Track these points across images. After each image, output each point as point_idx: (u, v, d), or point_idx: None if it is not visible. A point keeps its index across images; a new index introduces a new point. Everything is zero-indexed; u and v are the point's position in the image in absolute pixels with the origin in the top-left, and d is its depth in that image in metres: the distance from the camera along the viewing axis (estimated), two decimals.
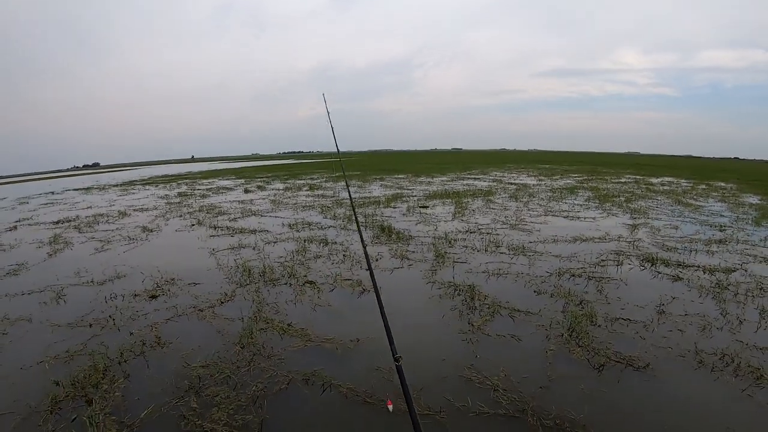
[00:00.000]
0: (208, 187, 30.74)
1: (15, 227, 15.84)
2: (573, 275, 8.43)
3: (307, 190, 25.66)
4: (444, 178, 32.59)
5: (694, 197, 21.08)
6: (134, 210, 19.29)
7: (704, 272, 8.49)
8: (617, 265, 9.01)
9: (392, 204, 18.59)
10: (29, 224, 16.22)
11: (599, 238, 11.40)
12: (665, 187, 25.66)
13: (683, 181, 31.29)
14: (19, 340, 6.23)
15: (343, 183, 29.83)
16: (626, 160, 79.34)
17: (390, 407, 4.31)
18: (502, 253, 10.09)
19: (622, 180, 30.88)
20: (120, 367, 5.34)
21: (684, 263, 9.07)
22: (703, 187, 26.81)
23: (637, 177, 33.89)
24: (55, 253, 11.16)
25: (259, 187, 28.50)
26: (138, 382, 5.01)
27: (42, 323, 6.74)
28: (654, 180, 31.41)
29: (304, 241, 11.62)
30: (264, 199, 22.12)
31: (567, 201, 19.08)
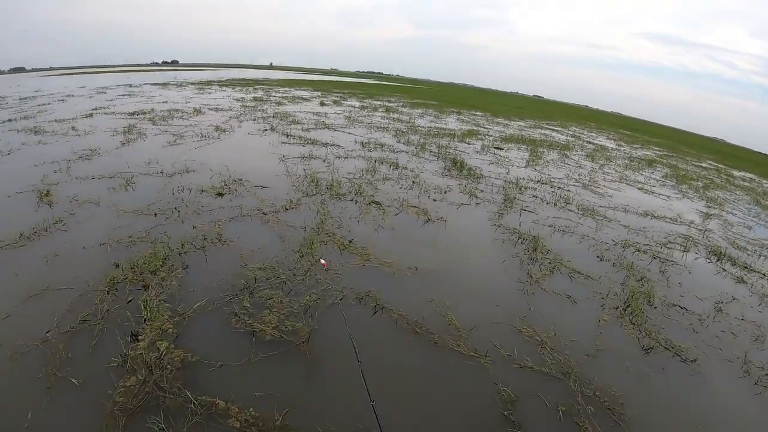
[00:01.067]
0: (284, 95, 30.75)
1: (91, 114, 16.08)
2: (638, 250, 8.15)
3: (382, 112, 25.47)
4: (522, 123, 31.92)
5: None
6: (209, 109, 19.44)
7: None
8: (684, 251, 8.64)
9: (467, 140, 18.33)
10: (105, 113, 16.44)
11: (671, 219, 10.97)
12: (746, 183, 24.23)
13: (765, 182, 29.94)
14: (85, 221, 6.35)
15: (420, 110, 29.58)
16: (710, 145, 75.87)
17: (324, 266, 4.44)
18: (570, 210, 9.85)
19: (703, 165, 29.37)
20: (179, 258, 5.40)
21: (751, 267, 8.58)
22: None
23: (719, 165, 32.24)
24: (128, 143, 11.31)
25: (335, 102, 28.41)
26: (195, 274, 5.06)
27: (109, 207, 6.86)
28: (735, 173, 29.51)
29: (375, 161, 11.55)
30: (339, 114, 22.03)
31: (644, 173, 18.41)
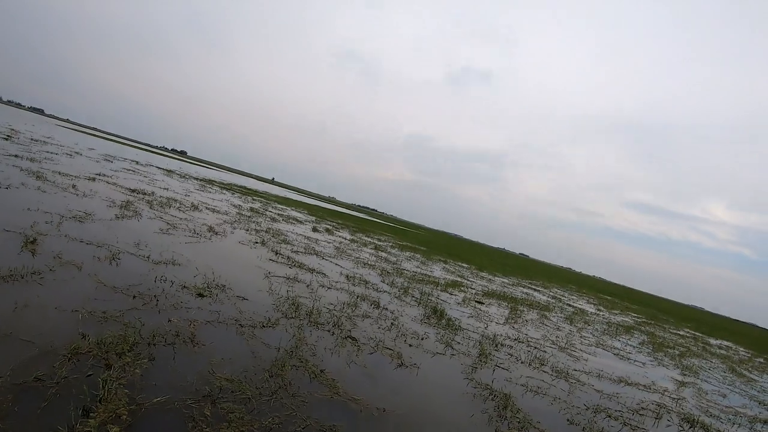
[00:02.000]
0: (280, 212, 31.05)
1: (94, 179, 16.31)
2: (609, 416, 8.08)
3: (371, 249, 25.70)
4: (505, 280, 32.16)
5: (749, 369, 20.45)
6: (206, 208, 19.61)
7: None
8: (656, 419, 8.63)
9: (450, 290, 18.33)
10: (107, 182, 16.64)
11: (644, 386, 10.96)
12: (722, 351, 25.05)
13: (741, 349, 30.47)
14: (63, 282, 6.26)
15: (408, 253, 29.88)
16: (688, 313, 78.07)
17: None
18: (545, 371, 9.77)
19: (680, 332, 30.14)
20: (148, 348, 5.24)
21: None
22: (761, 360, 26.00)
23: (696, 333, 33.11)
24: (123, 218, 11.36)
25: (327, 230, 28.71)
26: (161, 368, 4.89)
27: (90, 276, 6.78)
28: (712, 341, 30.61)
29: (357, 297, 11.49)
30: (329, 243, 22.17)
31: (621, 339, 18.54)
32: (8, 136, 21.67)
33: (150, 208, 14.24)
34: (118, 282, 6.92)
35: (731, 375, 16.81)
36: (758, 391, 14.76)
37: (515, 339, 12.20)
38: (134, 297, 6.58)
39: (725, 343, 32.18)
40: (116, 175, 19.61)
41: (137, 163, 31.28)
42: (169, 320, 6.22)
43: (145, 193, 16.75)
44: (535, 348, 11.77)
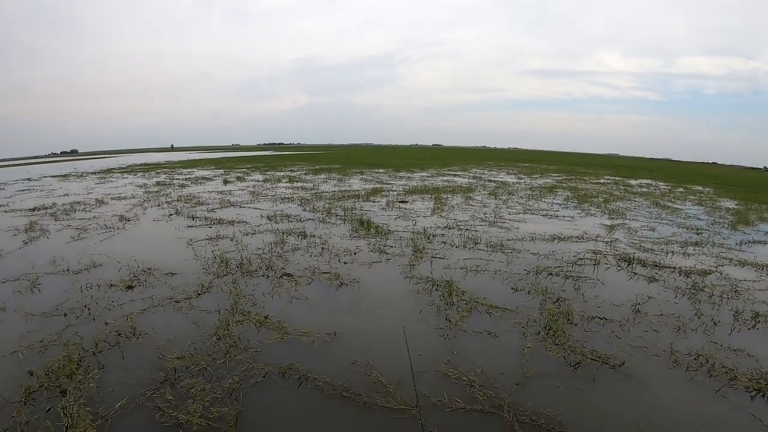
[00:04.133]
0: (187, 176, 30.47)
1: None
2: (550, 273, 8.56)
3: (286, 182, 25.59)
4: (424, 174, 32.70)
5: (672, 200, 21.62)
6: (112, 198, 19.07)
7: (680, 274, 8.71)
8: (594, 265, 9.17)
9: (372, 198, 18.70)
10: (4, 211, 15.95)
11: (577, 238, 11.59)
12: (643, 189, 26.30)
13: (661, 183, 31.90)
14: None
15: (323, 175, 29.85)
16: (606, 162, 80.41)
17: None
18: (480, 249, 10.20)
19: (602, 181, 31.41)
20: (95, 357, 5.30)
21: (660, 264, 9.29)
22: (681, 190, 27.45)
23: (616, 178, 34.53)
24: (31, 241, 11.02)
25: (238, 178, 28.31)
26: (113, 373, 4.98)
27: (16, 312, 6.66)
28: (633, 182, 32.05)
29: (282, 233, 11.60)
30: (243, 190, 22.01)
31: (546, 200, 19.41)
32: None
33: (55, 220, 13.79)
34: (45, 306, 6.84)
35: (656, 209, 17.79)
36: (684, 218, 15.73)
37: (445, 227, 12.65)
38: (65, 315, 6.54)
39: (645, 181, 33.64)
40: (11, 201, 18.79)
41: (29, 179, 29.89)
42: (106, 323, 6.24)
43: (45, 208, 16.11)
44: (466, 230, 12.24)
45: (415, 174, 32.41)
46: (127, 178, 30.30)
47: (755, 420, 4.27)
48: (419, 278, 8.20)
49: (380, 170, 35.83)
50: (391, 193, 20.62)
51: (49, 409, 4.29)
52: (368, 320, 6.52)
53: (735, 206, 20.31)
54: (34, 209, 16.02)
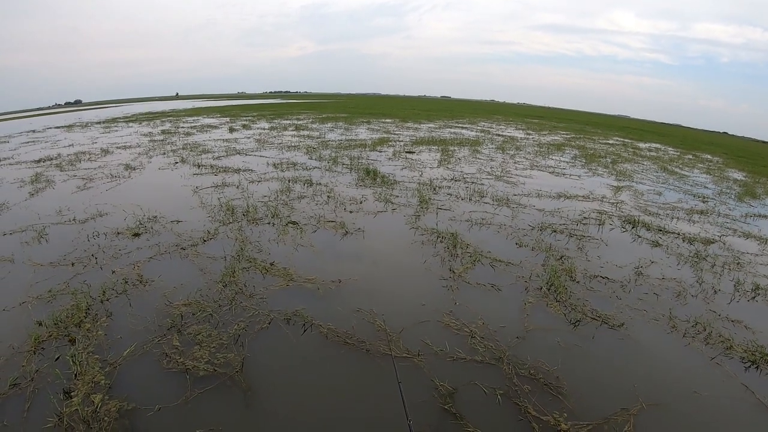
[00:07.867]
0: (193, 124, 30.32)
1: None
2: (555, 231, 8.62)
3: (293, 130, 25.52)
4: (431, 125, 32.51)
5: (680, 166, 21.49)
6: (117, 148, 18.97)
7: (684, 240, 8.75)
8: (599, 225, 9.21)
9: (378, 148, 18.66)
10: (10, 163, 15.88)
11: (583, 197, 11.60)
12: (652, 153, 26.16)
13: (671, 149, 31.65)
14: (1, 281, 6.18)
15: (330, 124, 29.70)
16: (615, 122, 79.52)
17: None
18: (486, 203, 10.25)
19: (610, 141, 31.22)
20: (102, 305, 5.37)
21: (665, 229, 9.32)
22: (690, 157, 27.22)
23: (625, 140, 34.26)
24: (37, 192, 11.00)
25: (244, 126, 28.20)
26: (120, 320, 5.05)
27: (24, 263, 6.70)
28: (641, 145, 31.79)
29: (288, 181, 11.64)
30: (249, 138, 21.91)
31: (553, 157, 19.33)
32: None
33: (61, 171, 13.74)
34: (53, 256, 6.88)
35: (664, 174, 17.69)
36: (691, 186, 15.61)
37: (452, 179, 12.64)
38: (73, 264, 6.59)
39: (654, 145, 33.21)
40: (16, 154, 18.68)
41: (34, 131, 29.67)
42: (113, 271, 6.31)
43: (51, 159, 16.02)
44: (473, 183, 12.24)
45: (422, 125, 32.23)
46: (132, 127, 30.14)
47: (747, 391, 4.32)
48: (424, 229, 8.26)
49: (387, 120, 35.68)
50: (397, 143, 20.60)
51: (58, 357, 4.35)
52: (373, 269, 6.58)
53: (743, 178, 20.22)
54: (39, 161, 15.96)
